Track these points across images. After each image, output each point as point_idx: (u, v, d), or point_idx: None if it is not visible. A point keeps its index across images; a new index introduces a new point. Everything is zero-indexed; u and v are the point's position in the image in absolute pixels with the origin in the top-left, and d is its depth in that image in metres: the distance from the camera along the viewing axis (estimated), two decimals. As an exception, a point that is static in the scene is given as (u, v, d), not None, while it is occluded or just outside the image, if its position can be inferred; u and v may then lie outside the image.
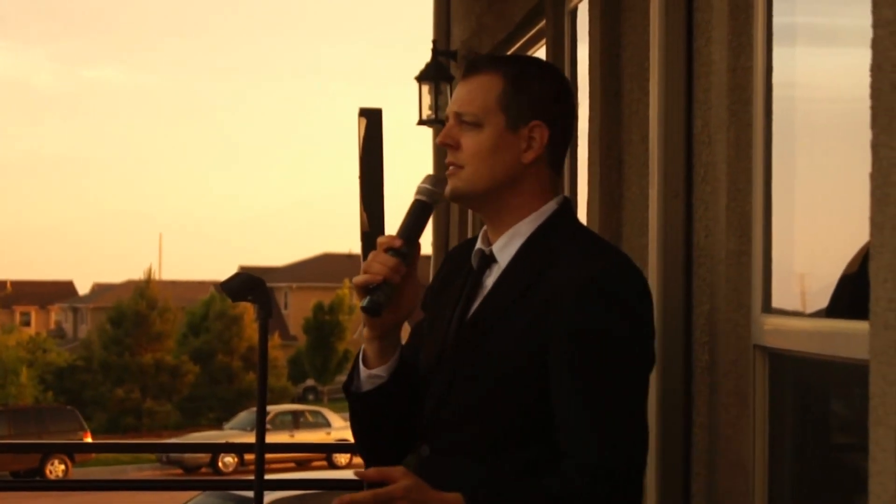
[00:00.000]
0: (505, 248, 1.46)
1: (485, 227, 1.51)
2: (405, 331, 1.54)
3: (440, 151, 1.57)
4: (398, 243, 1.40)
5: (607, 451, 1.33)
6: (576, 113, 1.54)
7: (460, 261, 1.53)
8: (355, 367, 1.50)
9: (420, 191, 1.45)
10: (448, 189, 1.47)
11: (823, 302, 1.52)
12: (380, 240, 1.43)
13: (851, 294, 1.44)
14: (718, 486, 1.67)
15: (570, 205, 1.50)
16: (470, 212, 3.78)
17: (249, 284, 1.85)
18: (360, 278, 1.41)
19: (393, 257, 1.40)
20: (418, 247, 1.45)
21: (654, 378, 1.89)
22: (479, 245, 1.50)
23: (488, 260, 1.48)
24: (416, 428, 1.49)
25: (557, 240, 1.44)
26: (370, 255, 1.42)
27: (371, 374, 1.47)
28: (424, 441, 1.47)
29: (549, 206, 1.46)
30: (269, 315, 1.86)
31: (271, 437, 16.87)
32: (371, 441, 1.52)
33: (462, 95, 1.46)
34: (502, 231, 1.46)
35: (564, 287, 1.37)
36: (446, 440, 1.44)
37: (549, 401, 1.37)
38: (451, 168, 1.46)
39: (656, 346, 1.76)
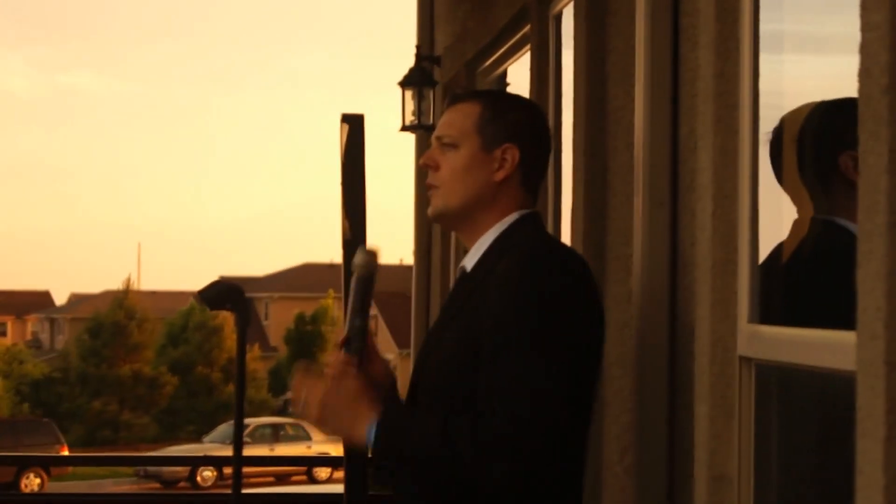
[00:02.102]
0: (471, 259, 1.58)
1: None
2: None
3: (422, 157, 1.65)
4: (343, 337, 1.55)
5: (509, 419, 1.37)
6: (549, 141, 1.65)
7: None
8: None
9: (357, 267, 1.56)
10: (429, 210, 1.60)
11: (810, 311, 1.51)
12: (334, 344, 1.59)
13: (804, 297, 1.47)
14: (703, 499, 1.64)
15: (533, 216, 1.60)
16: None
17: (227, 293, 1.83)
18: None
19: (342, 354, 1.54)
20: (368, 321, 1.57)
21: (637, 390, 1.87)
22: (461, 263, 1.62)
23: (464, 272, 1.59)
24: None
25: (512, 242, 1.54)
26: (326, 362, 1.56)
27: None
28: None
29: (512, 217, 1.57)
30: (248, 324, 1.85)
31: (251, 451, 16.74)
32: None
33: (443, 122, 1.61)
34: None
35: (497, 277, 1.47)
36: None
37: None
38: (430, 189, 1.59)
39: (639, 355, 1.74)
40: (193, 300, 29.82)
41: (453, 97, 1.65)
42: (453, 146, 1.56)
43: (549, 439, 1.38)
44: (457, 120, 1.58)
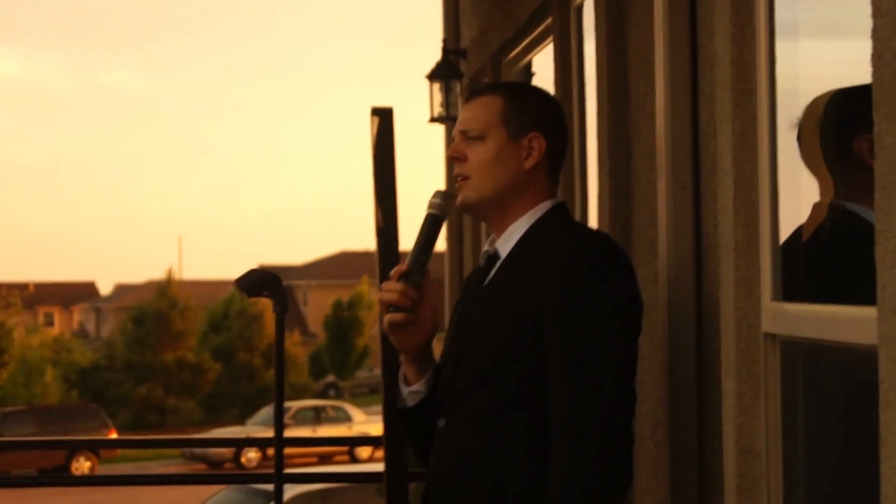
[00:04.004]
0: (505, 244, 1.61)
1: (492, 236, 1.65)
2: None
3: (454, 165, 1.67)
4: (404, 268, 1.58)
5: (590, 413, 1.45)
6: (567, 129, 1.68)
7: (473, 278, 1.68)
8: (398, 387, 1.67)
9: (431, 205, 1.60)
10: (459, 200, 1.61)
11: (831, 288, 1.54)
12: (392, 271, 1.60)
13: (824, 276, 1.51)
14: (732, 472, 1.69)
15: (564, 205, 1.64)
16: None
17: (263, 280, 1.88)
18: (383, 300, 1.59)
19: (401, 283, 1.57)
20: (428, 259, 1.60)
21: (666, 368, 1.91)
22: (485, 248, 1.65)
23: (493, 257, 1.62)
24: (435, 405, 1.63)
25: (548, 230, 1.57)
26: (384, 284, 1.60)
27: (412, 391, 1.65)
28: (441, 415, 1.61)
29: (544, 205, 1.61)
30: (285, 310, 1.90)
31: (294, 433, 16.93)
32: (426, 447, 1.66)
33: (466, 116, 1.62)
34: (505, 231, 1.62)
35: (550, 263, 1.51)
36: (458, 410, 1.57)
37: (544, 367, 1.50)
38: (458, 180, 1.61)
39: (667, 334, 1.79)
40: (234, 288, 29.90)
41: (472, 91, 1.67)
42: (480, 139, 1.58)
43: (629, 422, 1.49)
44: (480, 113, 1.59)
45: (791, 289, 1.62)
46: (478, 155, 1.58)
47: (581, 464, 1.44)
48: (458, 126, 1.63)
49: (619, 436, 1.47)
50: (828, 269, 1.56)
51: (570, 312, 1.47)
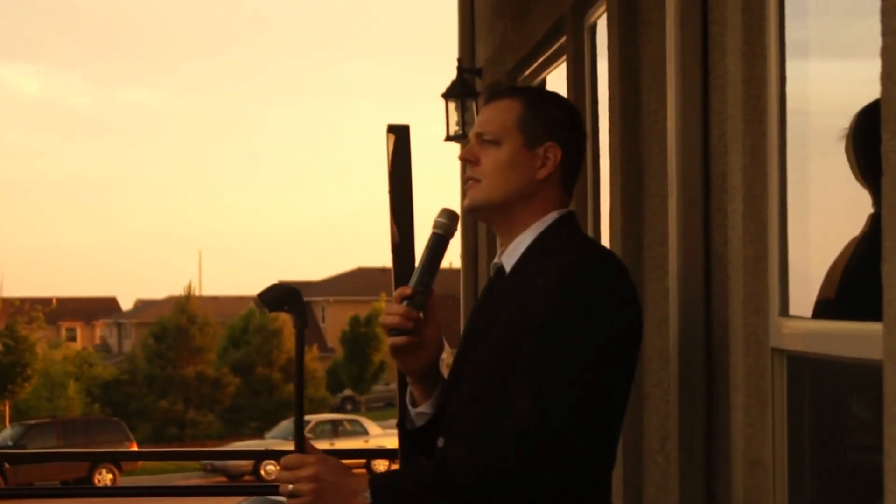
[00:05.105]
0: (510, 257, 1.57)
1: (501, 248, 1.62)
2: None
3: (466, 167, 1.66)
4: (408, 292, 1.54)
5: (531, 422, 1.37)
6: (585, 141, 1.63)
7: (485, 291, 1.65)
8: (406, 409, 1.63)
9: (436, 225, 1.57)
10: (466, 202, 1.58)
11: (839, 304, 1.56)
12: (395, 293, 1.57)
13: (857, 294, 1.49)
14: (740, 484, 1.70)
15: (571, 216, 1.59)
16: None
17: (286, 295, 1.90)
18: (385, 323, 1.56)
19: (403, 306, 1.54)
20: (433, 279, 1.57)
21: (676, 381, 1.94)
22: (494, 260, 1.62)
23: (501, 271, 1.59)
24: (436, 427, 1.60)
25: (553, 243, 1.53)
26: (386, 307, 1.57)
27: (419, 412, 1.61)
28: (441, 434, 1.58)
29: (551, 216, 1.56)
30: (305, 325, 1.92)
31: (312, 447, 16.94)
32: None
33: (483, 118, 1.58)
34: (511, 242, 1.59)
35: (550, 274, 1.46)
36: (455, 429, 1.54)
37: None
38: (469, 182, 1.57)
39: (677, 348, 1.78)
40: (253, 304, 30.34)
41: (491, 92, 1.63)
42: (495, 143, 1.53)
43: (576, 443, 1.38)
44: (497, 117, 1.55)
45: (842, 303, 1.54)
46: (491, 159, 1.54)
47: (497, 451, 1.36)
48: (475, 128, 1.59)
49: (557, 450, 1.36)
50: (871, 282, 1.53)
51: (559, 320, 1.41)
